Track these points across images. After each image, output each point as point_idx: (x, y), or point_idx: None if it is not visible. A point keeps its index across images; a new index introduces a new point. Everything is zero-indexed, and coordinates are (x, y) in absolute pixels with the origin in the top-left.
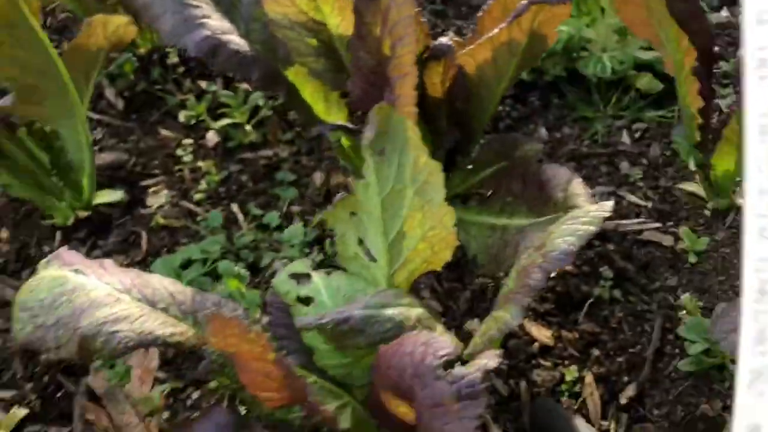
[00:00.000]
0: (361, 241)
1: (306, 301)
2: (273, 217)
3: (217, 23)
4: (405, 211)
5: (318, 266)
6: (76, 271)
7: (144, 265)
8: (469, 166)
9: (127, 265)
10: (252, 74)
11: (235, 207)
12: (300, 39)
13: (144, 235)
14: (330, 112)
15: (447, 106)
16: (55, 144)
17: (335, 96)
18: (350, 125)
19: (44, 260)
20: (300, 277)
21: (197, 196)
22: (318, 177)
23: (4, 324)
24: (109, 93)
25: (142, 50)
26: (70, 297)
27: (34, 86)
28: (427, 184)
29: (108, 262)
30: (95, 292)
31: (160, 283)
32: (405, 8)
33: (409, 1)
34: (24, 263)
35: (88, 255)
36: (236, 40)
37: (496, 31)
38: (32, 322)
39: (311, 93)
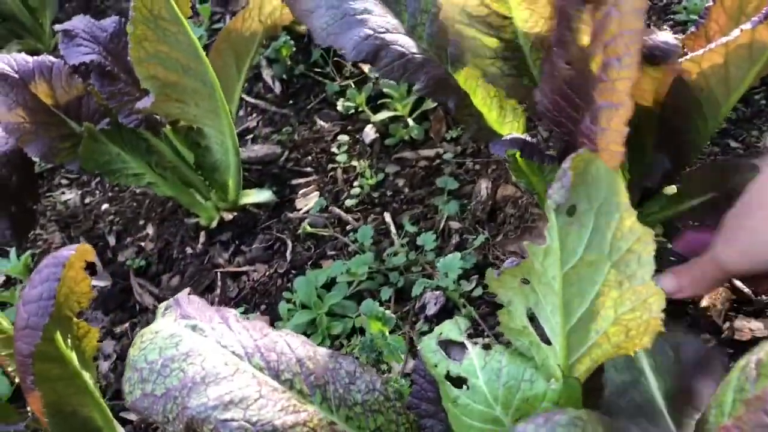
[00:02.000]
0: (531, 315)
1: (457, 381)
2: (429, 239)
3: (380, 19)
4: (597, 287)
5: (473, 303)
6: (194, 327)
7: (287, 278)
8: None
9: (270, 278)
10: (418, 80)
11: (387, 217)
12: (477, 36)
13: (289, 243)
14: (504, 122)
15: (657, 122)
16: (201, 143)
17: (511, 104)
18: (528, 138)
19: (162, 306)
20: (452, 347)
21: (349, 202)
22: (483, 187)
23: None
24: (267, 75)
25: (302, 28)
26: (181, 365)
27: (176, 84)
28: (630, 255)
29: (231, 315)
30: (211, 361)
31: (287, 344)
32: (630, 21)
33: (636, 11)
34: (166, 265)
35: (230, 261)
36: (402, 40)
37: (737, 32)
38: (141, 387)
39: (483, 99)
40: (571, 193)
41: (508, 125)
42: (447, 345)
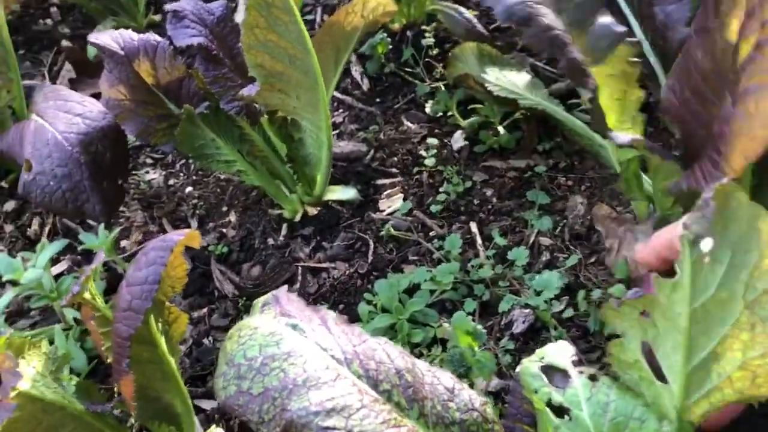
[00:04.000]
0: (649, 350)
1: (559, 410)
2: (521, 255)
3: None
4: (726, 328)
5: (563, 325)
6: (294, 327)
7: (367, 279)
8: None
9: (350, 277)
10: (560, 59)
11: (474, 227)
12: None
13: (371, 243)
14: (623, 120)
15: None
16: (295, 135)
17: (633, 103)
18: (648, 142)
19: (260, 301)
20: (554, 373)
21: (434, 208)
22: (578, 203)
23: (219, 320)
24: (356, 71)
25: (396, 25)
26: (282, 365)
27: (281, 74)
28: (767, 297)
29: (330, 317)
30: (312, 363)
31: (386, 353)
32: None
33: None
34: (247, 254)
35: (311, 256)
36: (550, 15)
37: None
38: (237, 384)
39: (608, 98)
40: (711, 225)
41: (627, 126)
42: (548, 370)
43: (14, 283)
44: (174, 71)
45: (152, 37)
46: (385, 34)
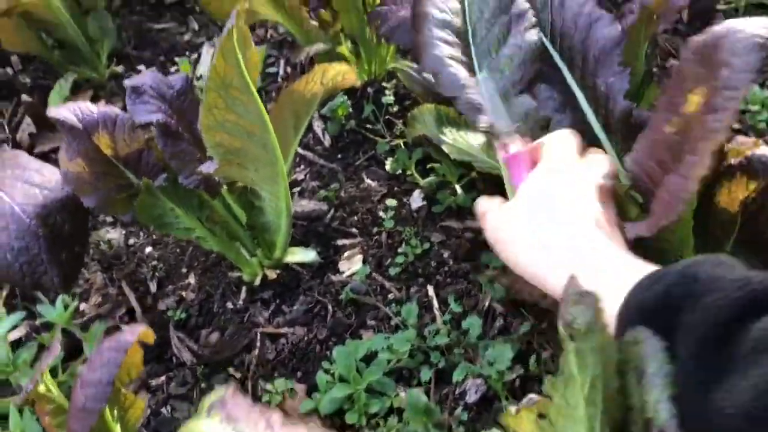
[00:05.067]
0: None
1: None
2: (474, 324)
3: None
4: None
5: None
6: None
7: (326, 345)
8: None
9: (308, 343)
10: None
11: (431, 290)
12: None
13: (330, 308)
14: None
15: (737, 228)
16: (255, 203)
17: None
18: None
19: (206, 402)
20: None
21: (392, 271)
22: None
23: (177, 389)
24: (317, 126)
25: (357, 82)
26: None
27: (239, 149)
28: None
29: (277, 421)
30: None
31: None
32: (735, 79)
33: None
34: (206, 319)
35: (270, 321)
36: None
37: None
38: None
39: None
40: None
41: None
42: None
43: None
44: (133, 143)
45: (112, 109)
46: (346, 97)
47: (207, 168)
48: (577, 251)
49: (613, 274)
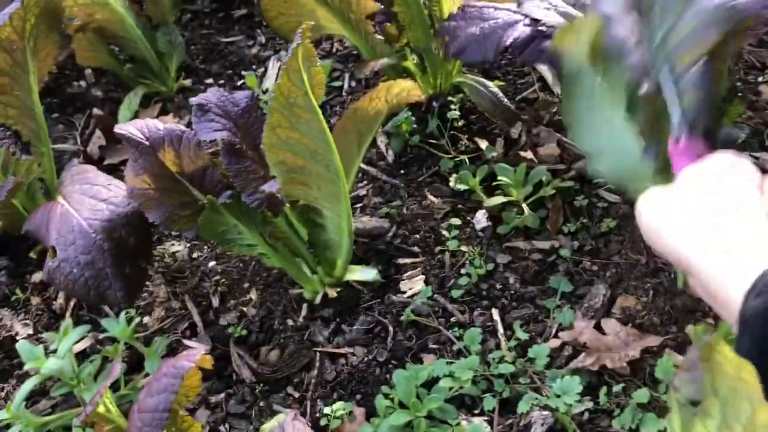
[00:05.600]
0: None
1: None
2: (541, 353)
3: None
4: None
5: (583, 429)
6: None
7: (386, 368)
8: None
9: (368, 365)
10: None
11: (495, 314)
12: None
13: (391, 329)
14: None
15: None
16: (317, 220)
17: None
18: None
19: (267, 425)
20: None
21: (455, 293)
22: (600, 293)
23: (236, 407)
24: (381, 141)
25: (421, 96)
26: None
27: (302, 168)
28: None
29: None
30: None
31: None
32: None
33: None
34: (266, 336)
35: (330, 340)
36: None
37: None
38: None
39: None
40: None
41: None
42: None
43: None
44: (198, 160)
45: (177, 127)
46: (410, 112)
47: (270, 187)
48: None
49: None
